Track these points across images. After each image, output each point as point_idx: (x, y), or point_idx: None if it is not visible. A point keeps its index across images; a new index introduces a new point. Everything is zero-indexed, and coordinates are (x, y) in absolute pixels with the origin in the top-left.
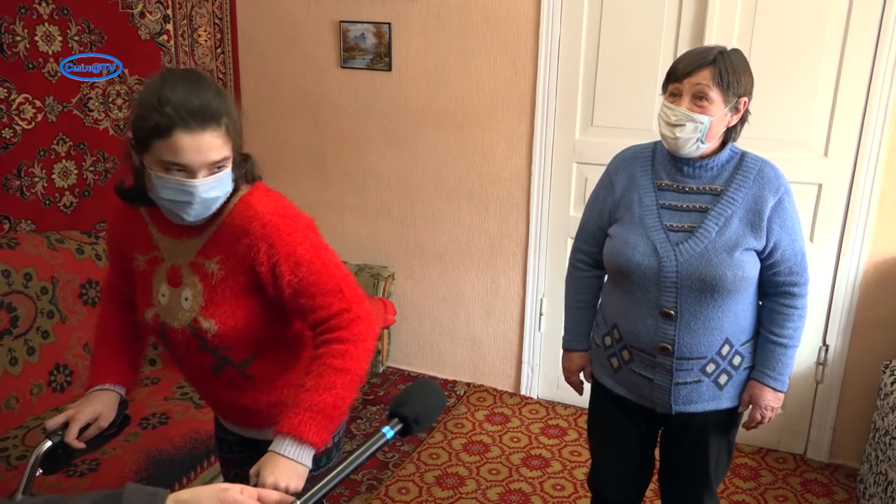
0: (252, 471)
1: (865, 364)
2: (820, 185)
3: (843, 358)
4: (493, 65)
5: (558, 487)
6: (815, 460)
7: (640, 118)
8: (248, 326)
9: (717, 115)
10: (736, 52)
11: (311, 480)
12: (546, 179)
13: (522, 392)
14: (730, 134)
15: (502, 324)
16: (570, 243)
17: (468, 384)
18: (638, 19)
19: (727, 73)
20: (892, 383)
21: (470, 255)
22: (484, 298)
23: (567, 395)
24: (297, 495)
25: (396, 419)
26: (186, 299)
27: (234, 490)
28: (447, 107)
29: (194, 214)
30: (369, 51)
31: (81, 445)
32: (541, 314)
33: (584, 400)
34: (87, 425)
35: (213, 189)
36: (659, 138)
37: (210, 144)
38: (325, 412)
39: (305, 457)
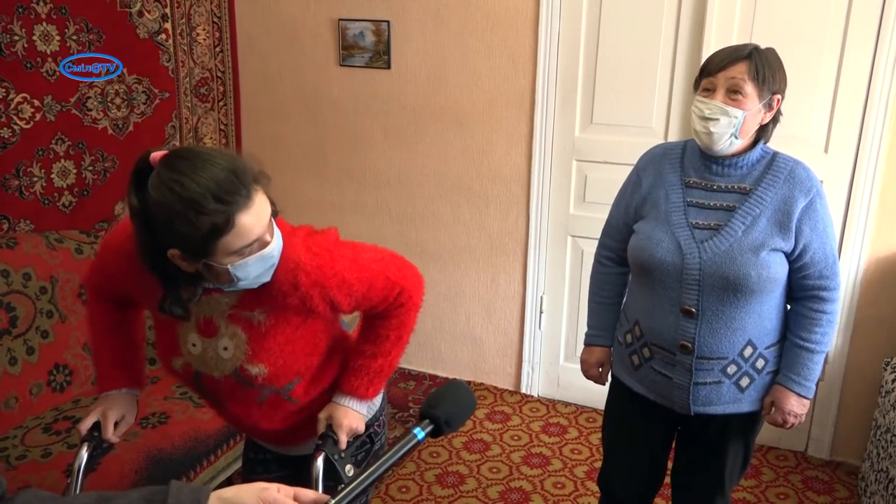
0: (321, 416)
1: (866, 361)
2: (820, 182)
3: (844, 355)
4: (493, 62)
5: (559, 485)
6: (816, 458)
7: (640, 115)
8: (297, 357)
9: (752, 110)
10: (770, 49)
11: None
12: (546, 177)
13: (523, 390)
14: (761, 133)
15: (502, 322)
16: (570, 241)
17: (468, 382)
18: (637, 16)
19: (763, 67)
20: (893, 380)
21: (470, 253)
22: (484, 296)
23: (568, 392)
24: (332, 496)
25: (427, 420)
26: (226, 349)
27: (273, 489)
28: (446, 105)
29: (272, 273)
30: (368, 49)
31: (117, 440)
32: (541, 312)
33: (584, 398)
34: (116, 423)
35: (279, 240)
36: (686, 137)
37: (263, 206)
38: (381, 374)
39: (364, 408)
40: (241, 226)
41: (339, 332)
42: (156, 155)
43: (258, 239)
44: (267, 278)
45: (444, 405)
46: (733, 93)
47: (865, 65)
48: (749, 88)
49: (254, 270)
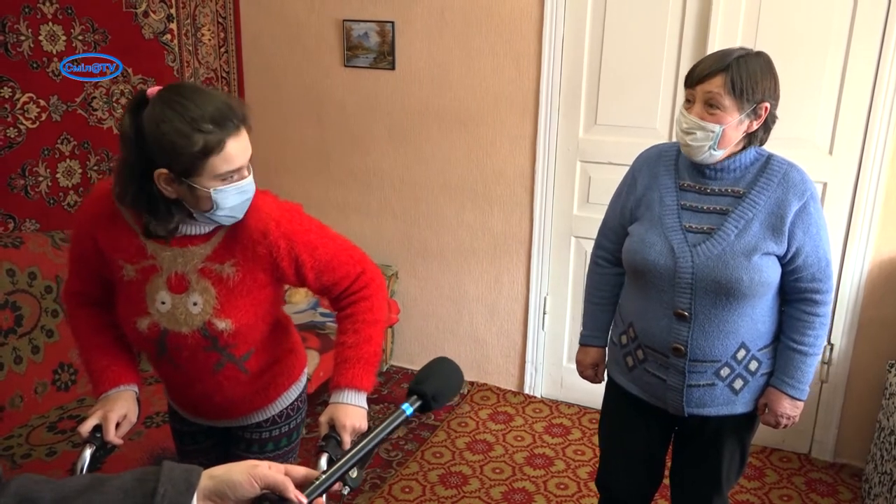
0: (322, 419)
1: (870, 363)
2: (825, 184)
3: (848, 357)
4: (497, 63)
5: (562, 486)
6: (819, 459)
7: (644, 116)
8: (257, 321)
9: (731, 122)
10: (758, 55)
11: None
12: (550, 178)
13: (526, 391)
14: (752, 139)
15: (506, 322)
16: (573, 242)
17: (472, 383)
18: (642, 17)
19: (740, 80)
20: None
21: (473, 253)
22: (487, 297)
23: (571, 393)
24: (324, 471)
25: (415, 396)
26: (196, 304)
27: (263, 466)
28: (451, 105)
29: (244, 211)
30: (373, 49)
31: (120, 442)
32: (544, 313)
33: (587, 399)
34: (117, 424)
35: (253, 181)
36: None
37: (247, 141)
38: (369, 360)
39: (363, 401)
40: (228, 151)
41: (283, 314)
42: (153, 89)
43: (240, 169)
44: (240, 215)
45: (431, 381)
46: (710, 106)
47: (870, 66)
48: (727, 102)
49: (232, 200)
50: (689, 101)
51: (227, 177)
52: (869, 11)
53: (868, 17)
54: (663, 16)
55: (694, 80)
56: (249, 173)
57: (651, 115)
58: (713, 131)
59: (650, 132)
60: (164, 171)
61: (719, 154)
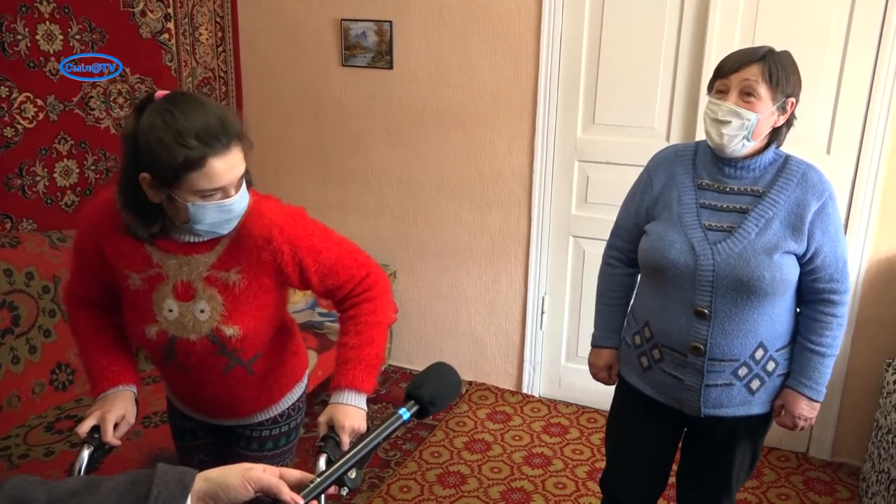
0: (322, 419)
1: (868, 362)
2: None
3: (846, 356)
4: (495, 63)
5: (560, 486)
6: (817, 458)
7: (642, 116)
8: (264, 325)
9: (765, 112)
10: (785, 52)
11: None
12: (548, 177)
13: (524, 390)
14: (774, 136)
15: (504, 322)
16: (572, 241)
17: (470, 382)
18: (640, 17)
19: (777, 69)
20: (895, 381)
21: (471, 253)
22: (485, 297)
23: (569, 393)
24: (318, 474)
25: (413, 401)
26: (203, 311)
27: (258, 469)
28: (449, 105)
29: (229, 228)
30: (371, 49)
31: (118, 443)
32: (542, 312)
33: (585, 398)
34: (115, 424)
35: (243, 200)
36: (687, 138)
37: (237, 160)
38: (371, 363)
39: (363, 402)
40: (211, 168)
41: (288, 316)
42: (160, 93)
43: (223, 188)
44: (222, 231)
45: (428, 385)
46: (746, 95)
47: (868, 65)
48: (762, 91)
49: (210, 217)
50: (721, 92)
51: (207, 194)
52: (866, 10)
53: (865, 16)
54: (661, 15)
55: (729, 68)
56: (236, 192)
57: (649, 115)
58: (749, 119)
59: (648, 132)
60: (146, 175)
61: (751, 146)
